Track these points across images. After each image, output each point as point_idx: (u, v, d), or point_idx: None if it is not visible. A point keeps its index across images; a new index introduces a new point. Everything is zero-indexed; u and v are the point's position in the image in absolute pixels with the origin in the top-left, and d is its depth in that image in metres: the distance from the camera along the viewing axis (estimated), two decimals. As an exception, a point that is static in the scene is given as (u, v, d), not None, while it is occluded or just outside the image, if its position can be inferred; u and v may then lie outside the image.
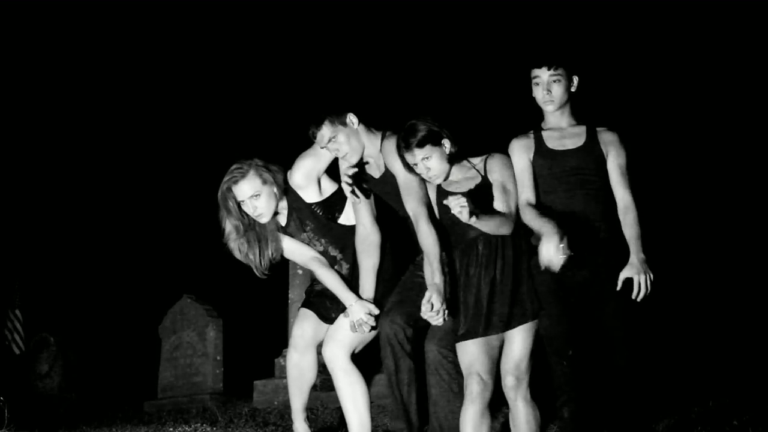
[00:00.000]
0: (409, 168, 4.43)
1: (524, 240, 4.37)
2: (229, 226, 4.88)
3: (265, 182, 4.82)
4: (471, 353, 4.34)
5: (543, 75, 4.41)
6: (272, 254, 4.97)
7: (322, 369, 5.06)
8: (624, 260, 4.11)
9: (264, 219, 4.88)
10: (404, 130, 4.44)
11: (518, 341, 4.30)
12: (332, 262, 4.97)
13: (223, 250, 4.92)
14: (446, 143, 4.40)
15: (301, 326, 4.97)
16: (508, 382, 4.29)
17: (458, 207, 4.00)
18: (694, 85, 11.59)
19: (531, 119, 4.52)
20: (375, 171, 4.77)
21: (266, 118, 13.58)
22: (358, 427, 4.69)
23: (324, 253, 4.98)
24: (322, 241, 4.98)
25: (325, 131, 4.60)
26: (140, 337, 11.43)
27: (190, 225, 14.43)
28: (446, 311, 4.25)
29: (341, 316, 4.76)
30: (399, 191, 4.58)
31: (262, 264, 4.94)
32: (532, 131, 4.50)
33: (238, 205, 4.84)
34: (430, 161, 4.38)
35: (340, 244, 4.98)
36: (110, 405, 9.21)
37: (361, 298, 4.73)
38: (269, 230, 4.98)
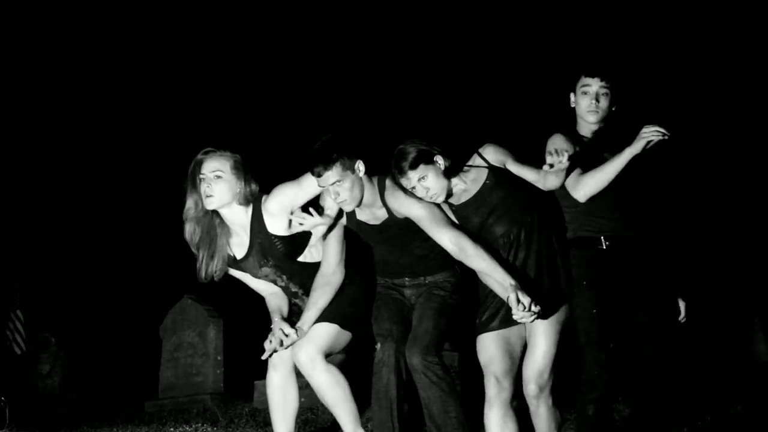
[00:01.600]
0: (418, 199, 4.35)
1: (555, 236, 4.31)
2: (190, 201, 4.68)
3: (233, 169, 4.64)
4: (488, 351, 4.27)
5: (594, 85, 4.43)
6: (215, 270, 4.77)
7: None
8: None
9: (212, 203, 4.64)
10: (394, 157, 4.37)
11: (541, 345, 4.20)
12: (292, 297, 4.84)
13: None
14: (439, 159, 4.33)
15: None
16: (530, 390, 4.21)
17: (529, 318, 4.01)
18: (692, 85, 11.57)
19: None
20: (371, 218, 4.59)
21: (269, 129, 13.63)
22: (353, 423, 4.61)
23: (285, 289, 4.82)
24: (284, 277, 4.80)
25: (333, 173, 4.33)
26: (141, 338, 11.38)
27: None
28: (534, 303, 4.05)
29: (315, 324, 4.62)
30: (405, 234, 4.51)
31: (205, 268, 4.77)
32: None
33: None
34: (427, 180, 4.30)
35: (300, 280, 4.80)
36: (111, 405, 9.17)
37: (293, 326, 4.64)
38: (219, 249, 4.77)
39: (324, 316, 4.63)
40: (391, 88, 13.67)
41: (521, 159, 4.35)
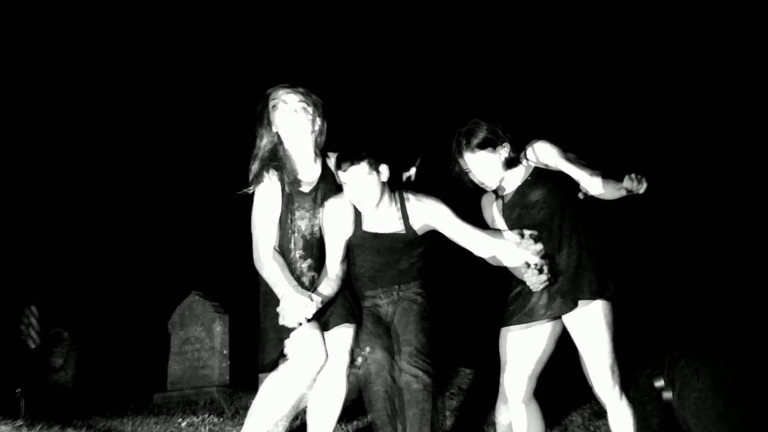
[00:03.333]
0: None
1: (594, 233, 4.25)
2: (265, 138, 4.44)
3: (316, 105, 4.45)
4: (508, 347, 4.22)
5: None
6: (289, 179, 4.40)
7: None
8: None
9: (293, 133, 4.39)
10: (462, 132, 4.31)
11: (597, 346, 4.08)
12: (298, 269, 4.45)
13: (230, 248, 4.69)
14: (504, 151, 4.29)
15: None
16: (601, 393, 4.09)
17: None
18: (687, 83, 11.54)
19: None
20: (378, 227, 4.45)
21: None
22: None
23: (296, 258, 4.43)
24: (309, 239, 4.44)
25: (358, 169, 4.26)
26: (150, 332, 11.42)
27: (199, 226, 14.44)
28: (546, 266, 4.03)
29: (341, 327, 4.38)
30: (404, 248, 4.44)
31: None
32: None
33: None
34: (486, 166, 4.27)
35: (316, 259, 4.48)
36: (121, 397, 9.21)
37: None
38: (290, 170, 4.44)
39: (344, 317, 4.42)
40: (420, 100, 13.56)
41: (572, 158, 4.31)
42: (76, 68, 15.37)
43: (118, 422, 6.67)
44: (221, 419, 6.94)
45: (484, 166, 4.26)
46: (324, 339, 4.31)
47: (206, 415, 7.10)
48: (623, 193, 4.03)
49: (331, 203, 4.41)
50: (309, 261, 4.44)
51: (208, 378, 9.62)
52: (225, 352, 9.62)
